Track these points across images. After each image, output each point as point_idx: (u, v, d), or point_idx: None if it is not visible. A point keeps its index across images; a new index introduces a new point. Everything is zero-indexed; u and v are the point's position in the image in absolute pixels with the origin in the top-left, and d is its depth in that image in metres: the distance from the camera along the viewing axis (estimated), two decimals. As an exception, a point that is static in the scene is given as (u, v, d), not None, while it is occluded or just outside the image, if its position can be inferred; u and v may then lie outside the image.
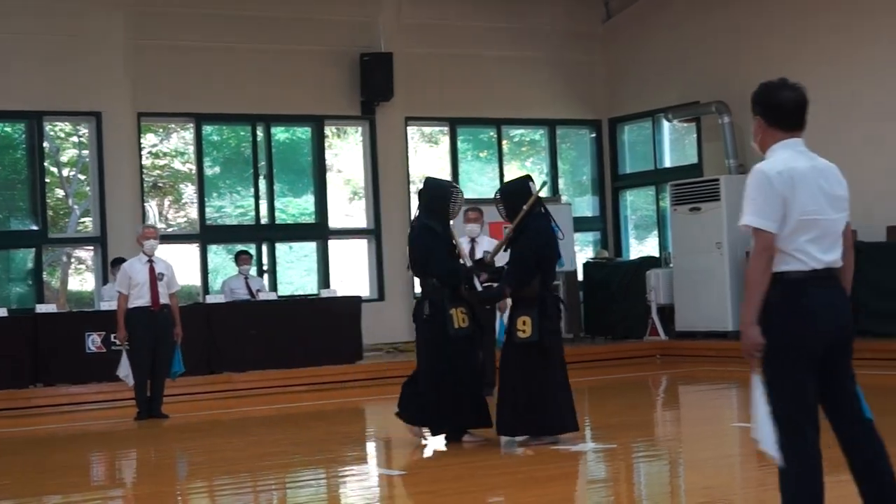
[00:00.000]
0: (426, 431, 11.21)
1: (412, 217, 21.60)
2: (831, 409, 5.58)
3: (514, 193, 10.95)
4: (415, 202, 22.06)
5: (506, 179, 22.80)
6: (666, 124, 22.96)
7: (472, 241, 15.11)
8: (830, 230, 5.51)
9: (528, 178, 11.19)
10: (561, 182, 23.75)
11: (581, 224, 23.23)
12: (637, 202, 24.43)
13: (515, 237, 10.80)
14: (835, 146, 17.60)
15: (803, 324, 5.43)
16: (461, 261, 11.17)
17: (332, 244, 21.82)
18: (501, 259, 11.30)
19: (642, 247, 24.06)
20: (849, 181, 5.71)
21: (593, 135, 24.19)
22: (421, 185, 11.61)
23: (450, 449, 10.90)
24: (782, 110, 5.58)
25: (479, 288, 11.01)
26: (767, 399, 5.47)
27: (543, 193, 11.08)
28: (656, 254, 22.85)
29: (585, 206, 24.15)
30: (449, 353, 10.86)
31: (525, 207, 10.69)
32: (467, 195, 21.77)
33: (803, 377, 5.45)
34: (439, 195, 11.19)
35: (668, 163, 23.28)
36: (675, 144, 23.43)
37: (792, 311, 5.45)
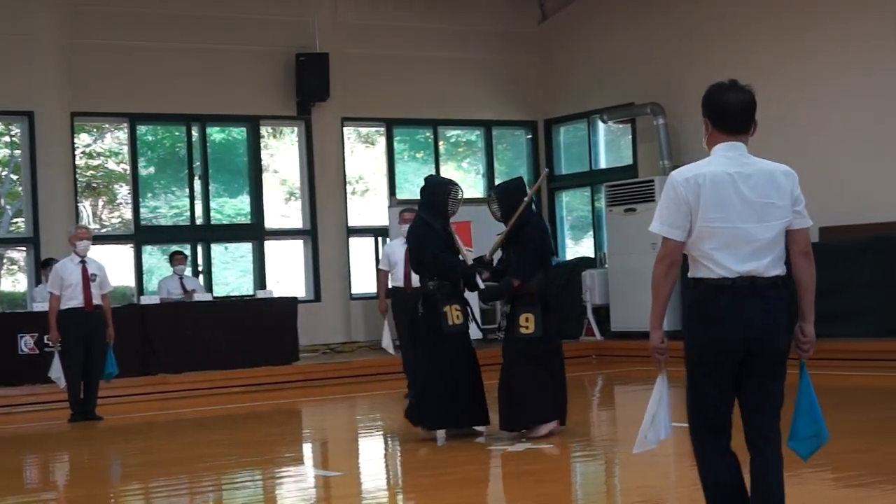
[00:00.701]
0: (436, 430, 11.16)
1: (343, 217, 21.66)
2: (743, 419, 5.57)
3: (511, 191, 11.13)
4: (351, 203, 22.23)
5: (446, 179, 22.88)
6: (601, 126, 23.06)
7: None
8: (745, 239, 5.39)
9: (521, 179, 11.42)
10: (497, 183, 23.78)
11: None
12: (572, 203, 24.53)
13: (515, 233, 10.90)
14: (764, 148, 17.74)
15: (707, 330, 5.45)
16: (461, 257, 11.21)
17: (268, 245, 21.74)
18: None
19: (578, 247, 24.16)
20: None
21: (529, 136, 24.25)
22: (422, 184, 11.62)
23: (386, 450, 10.90)
24: (725, 113, 5.50)
25: (482, 286, 11.08)
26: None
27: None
28: (592, 254, 22.94)
29: (521, 206, 24.16)
30: (444, 350, 10.92)
31: (526, 199, 10.91)
32: (402, 196, 21.97)
33: (707, 382, 5.50)
34: (438, 192, 11.25)
35: (603, 164, 23.38)
36: (610, 146, 23.54)
37: (699, 317, 5.49)
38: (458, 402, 10.96)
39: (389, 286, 15.17)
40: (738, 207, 5.41)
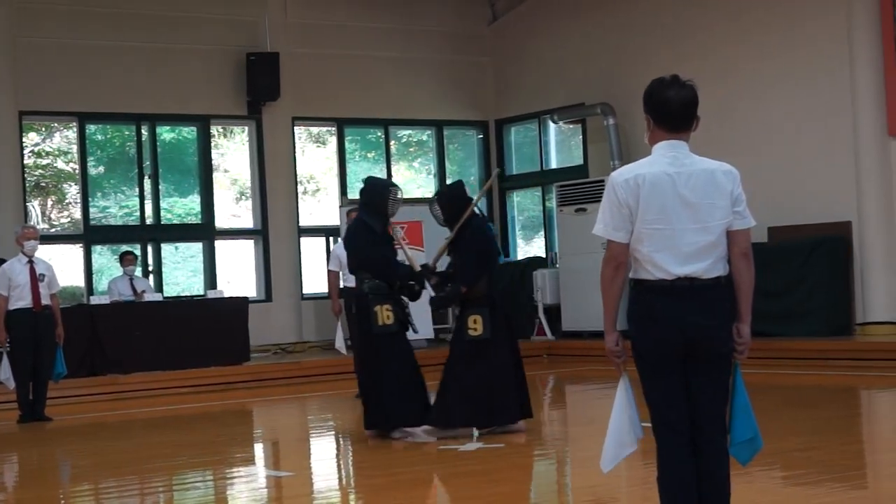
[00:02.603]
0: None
1: (287, 217, 21.62)
2: (691, 418, 5.55)
3: (455, 197, 11.18)
4: (302, 203, 22.18)
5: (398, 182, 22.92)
6: (552, 126, 23.12)
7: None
8: (684, 241, 5.38)
9: (461, 183, 11.45)
10: (448, 182, 23.80)
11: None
12: (524, 203, 24.57)
13: (456, 238, 10.95)
14: (715, 147, 17.83)
15: (647, 331, 5.45)
16: (406, 262, 11.23)
17: (219, 244, 21.65)
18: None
19: (529, 247, 24.21)
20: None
21: (480, 136, 24.29)
22: (361, 184, 11.63)
23: (337, 450, 10.89)
24: (665, 110, 5.44)
25: (432, 293, 11.10)
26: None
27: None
28: (543, 254, 23.00)
29: (473, 206, 24.19)
30: (377, 349, 10.95)
31: (472, 204, 10.96)
32: (353, 196, 21.90)
33: (655, 381, 5.50)
34: (378, 193, 11.23)
35: (554, 164, 23.44)
36: (560, 146, 23.60)
37: (638, 318, 5.49)
38: (401, 402, 10.96)
39: (341, 286, 15.15)
40: (677, 209, 5.38)
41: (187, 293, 21.32)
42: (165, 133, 21.68)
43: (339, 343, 15.36)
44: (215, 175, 21.78)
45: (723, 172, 5.49)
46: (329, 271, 15.54)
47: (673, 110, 5.46)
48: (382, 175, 22.96)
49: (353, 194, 22.24)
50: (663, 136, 5.50)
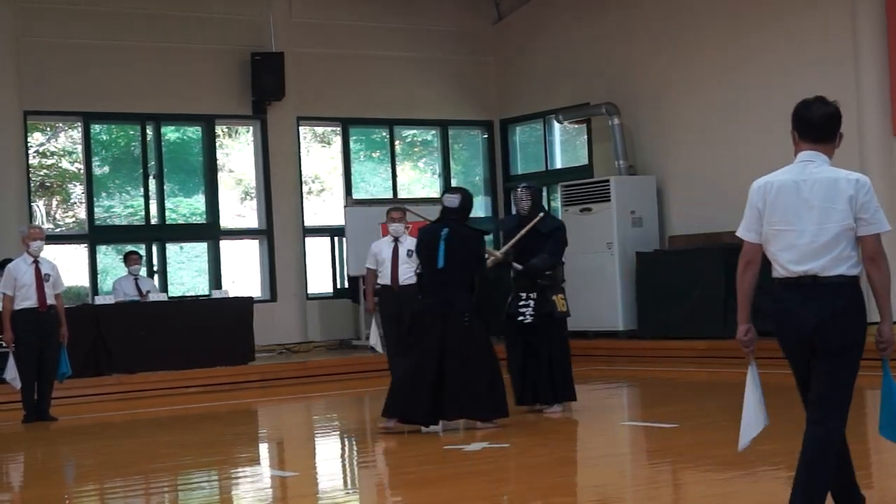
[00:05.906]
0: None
1: (293, 220, 21.60)
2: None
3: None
4: (307, 203, 22.20)
5: (400, 180, 22.93)
6: (557, 125, 23.10)
7: (396, 240, 14.98)
8: (802, 240, 5.91)
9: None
10: (454, 182, 23.77)
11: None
12: (528, 202, 24.52)
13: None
14: (721, 147, 17.86)
15: (778, 323, 6.05)
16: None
17: (224, 244, 21.65)
18: None
19: (534, 247, 24.17)
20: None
21: (485, 135, 24.28)
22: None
23: (342, 450, 10.91)
24: (806, 124, 6.10)
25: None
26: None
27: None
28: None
29: (477, 206, 24.19)
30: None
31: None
32: (358, 196, 21.98)
33: (792, 368, 6.18)
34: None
35: (558, 164, 23.43)
36: (565, 146, 23.59)
37: (773, 312, 6.06)
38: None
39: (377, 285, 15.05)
40: (798, 211, 5.95)
41: (192, 293, 21.33)
42: (170, 133, 21.69)
43: (374, 340, 15.17)
44: (220, 175, 21.79)
45: (847, 180, 6.03)
46: (367, 269, 15.30)
47: (814, 123, 6.10)
48: (397, 174, 23.02)
49: (359, 194, 22.30)
50: (802, 147, 6.16)
